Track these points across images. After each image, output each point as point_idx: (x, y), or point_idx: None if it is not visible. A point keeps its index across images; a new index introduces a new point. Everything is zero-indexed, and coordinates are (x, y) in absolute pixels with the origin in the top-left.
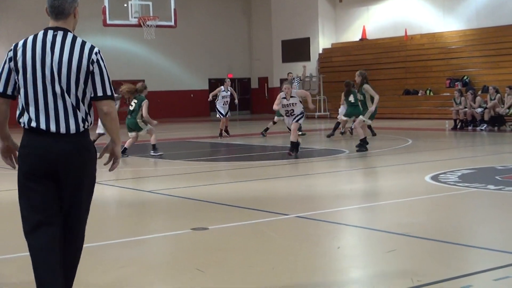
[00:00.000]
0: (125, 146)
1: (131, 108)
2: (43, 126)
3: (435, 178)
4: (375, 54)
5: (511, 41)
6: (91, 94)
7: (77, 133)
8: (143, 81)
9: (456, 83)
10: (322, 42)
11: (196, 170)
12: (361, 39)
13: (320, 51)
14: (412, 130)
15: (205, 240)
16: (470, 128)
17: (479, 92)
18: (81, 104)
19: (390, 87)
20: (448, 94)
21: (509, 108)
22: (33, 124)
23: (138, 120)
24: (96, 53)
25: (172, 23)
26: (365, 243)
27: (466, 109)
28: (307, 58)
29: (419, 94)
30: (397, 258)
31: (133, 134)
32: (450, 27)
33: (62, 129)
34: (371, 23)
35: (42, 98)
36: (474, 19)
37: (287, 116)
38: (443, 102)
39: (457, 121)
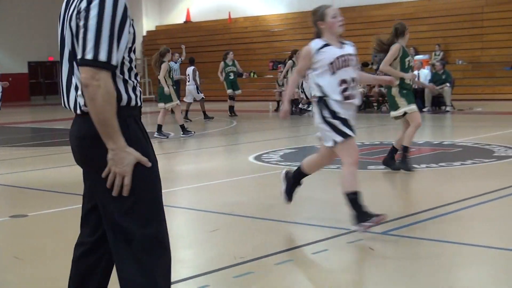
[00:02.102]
0: (158, 123)
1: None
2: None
3: (258, 158)
4: (200, 37)
5: None
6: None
7: (82, 113)
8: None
9: (279, 66)
10: (146, 24)
11: (17, 156)
12: (185, 22)
13: (144, 34)
14: (237, 111)
15: (24, 227)
16: (293, 109)
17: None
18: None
19: (214, 70)
20: (272, 76)
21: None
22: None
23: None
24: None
25: None
26: (190, 224)
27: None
28: None
29: (243, 77)
30: (220, 237)
31: (161, 105)
32: (273, 10)
33: (71, 106)
34: (195, 6)
35: (60, 64)
36: (295, 2)
37: None
38: (267, 84)
39: (280, 102)
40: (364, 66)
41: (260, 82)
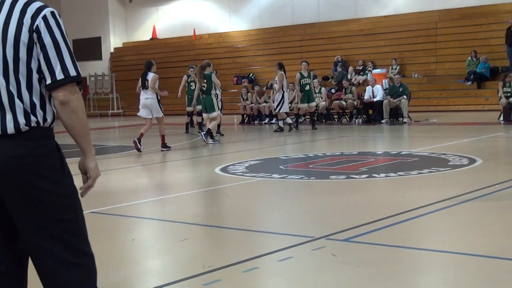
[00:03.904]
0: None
1: (204, 89)
2: None
3: (224, 169)
4: (166, 53)
5: (291, 41)
6: (43, 77)
7: (19, 133)
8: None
9: (243, 80)
10: (114, 41)
11: None
12: (151, 39)
13: (112, 50)
14: (204, 125)
15: None
16: (256, 122)
17: (264, 89)
18: (24, 91)
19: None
20: (236, 90)
21: (290, 103)
22: None
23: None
24: (44, 17)
25: None
26: (159, 234)
27: (253, 104)
28: (99, 57)
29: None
30: (189, 247)
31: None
32: (236, 27)
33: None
34: (161, 23)
35: None
36: (257, 19)
37: None
38: (231, 98)
39: (245, 115)
40: (324, 80)
41: (224, 96)
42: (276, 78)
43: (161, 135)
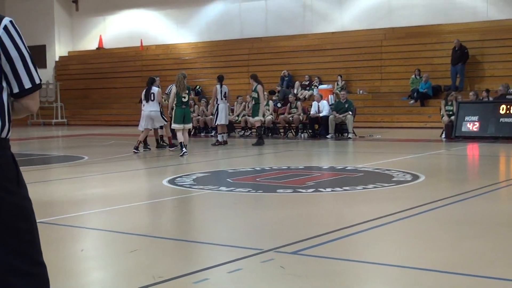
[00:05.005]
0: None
1: (184, 99)
2: None
3: (172, 181)
4: (112, 63)
5: (238, 54)
6: (8, 85)
7: None
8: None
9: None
10: (59, 49)
11: None
12: (98, 48)
13: (57, 59)
14: (150, 137)
15: None
16: (203, 134)
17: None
18: None
19: (126, 95)
20: None
21: (238, 116)
22: None
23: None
24: (5, 28)
25: None
26: (108, 245)
27: (200, 116)
28: (44, 66)
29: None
30: (139, 258)
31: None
32: (184, 39)
33: None
34: (107, 33)
35: None
36: (205, 32)
37: None
38: None
39: (191, 128)
40: (271, 94)
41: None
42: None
43: (168, 137)
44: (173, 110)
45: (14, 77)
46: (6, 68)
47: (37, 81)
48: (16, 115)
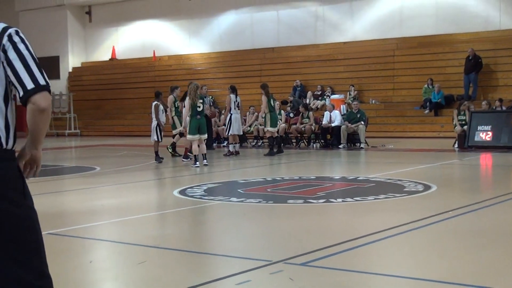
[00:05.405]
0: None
1: (199, 109)
2: None
3: (182, 192)
4: (125, 74)
5: (250, 64)
6: (16, 91)
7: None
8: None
9: None
10: (72, 60)
11: None
12: (111, 59)
13: (70, 70)
14: (160, 147)
15: None
16: (215, 144)
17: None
18: None
19: (139, 106)
20: None
21: (250, 126)
22: None
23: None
24: (9, 35)
25: None
26: (117, 256)
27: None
28: (57, 77)
29: (166, 113)
30: (147, 269)
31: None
32: (196, 49)
33: None
34: (120, 44)
35: None
36: (217, 42)
37: None
38: None
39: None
40: (283, 104)
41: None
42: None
43: (185, 148)
44: (189, 121)
45: (17, 81)
46: (9, 73)
47: (42, 83)
48: (33, 118)
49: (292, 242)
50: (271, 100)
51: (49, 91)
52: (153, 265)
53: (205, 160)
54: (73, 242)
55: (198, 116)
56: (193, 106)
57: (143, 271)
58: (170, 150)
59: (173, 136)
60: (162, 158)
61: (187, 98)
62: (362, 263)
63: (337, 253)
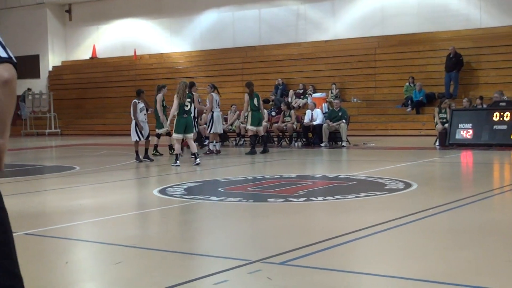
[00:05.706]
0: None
1: (186, 108)
2: None
3: (162, 191)
4: (106, 73)
5: (231, 63)
6: None
7: None
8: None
9: None
10: (52, 59)
11: None
12: (91, 58)
13: (50, 69)
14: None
15: None
16: (196, 143)
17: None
18: None
19: (120, 105)
20: None
21: (231, 124)
22: None
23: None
24: None
25: None
26: (94, 257)
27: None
28: (37, 76)
29: (148, 112)
30: (124, 270)
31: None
32: (177, 48)
33: None
34: (101, 42)
35: None
36: (199, 41)
37: None
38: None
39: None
40: (265, 102)
41: None
42: (207, 100)
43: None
44: (176, 120)
45: None
46: None
47: (3, 55)
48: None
49: (271, 241)
50: (255, 98)
51: (15, 67)
52: (130, 265)
53: (197, 159)
54: (50, 242)
55: (185, 115)
56: (181, 105)
57: (119, 272)
58: (155, 152)
59: (157, 135)
60: (147, 159)
61: (175, 96)
62: (341, 262)
63: (316, 252)
